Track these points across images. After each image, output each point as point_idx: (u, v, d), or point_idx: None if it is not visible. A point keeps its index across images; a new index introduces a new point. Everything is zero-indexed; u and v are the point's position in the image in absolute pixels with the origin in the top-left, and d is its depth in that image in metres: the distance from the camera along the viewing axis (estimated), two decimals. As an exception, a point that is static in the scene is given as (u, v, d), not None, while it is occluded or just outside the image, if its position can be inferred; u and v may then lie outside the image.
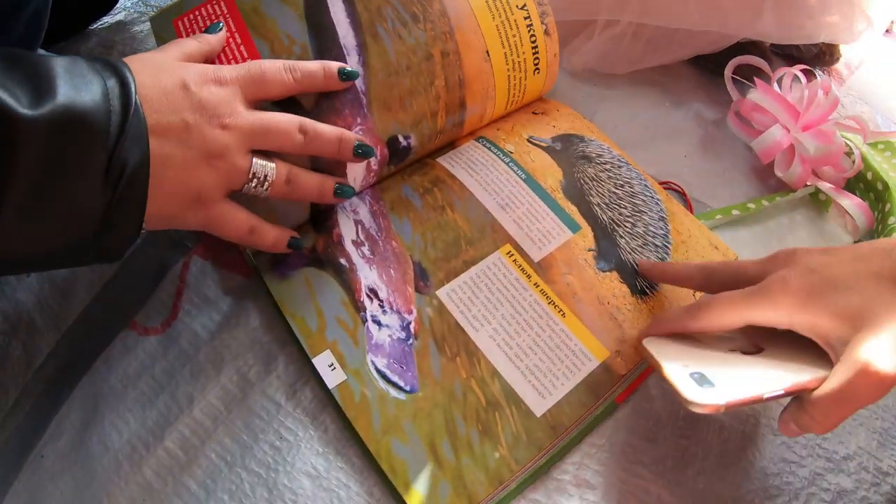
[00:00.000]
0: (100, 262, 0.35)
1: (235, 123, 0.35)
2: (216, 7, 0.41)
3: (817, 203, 0.54)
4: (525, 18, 0.45)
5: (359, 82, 0.40)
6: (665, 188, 0.51)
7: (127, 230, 0.33)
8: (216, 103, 0.34)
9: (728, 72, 0.61)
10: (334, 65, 0.39)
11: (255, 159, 0.36)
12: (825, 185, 0.54)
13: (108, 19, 0.64)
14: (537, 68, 0.48)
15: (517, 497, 0.35)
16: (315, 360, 0.38)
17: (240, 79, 0.36)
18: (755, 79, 0.57)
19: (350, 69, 0.39)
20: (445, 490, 0.34)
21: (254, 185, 0.36)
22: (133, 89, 0.31)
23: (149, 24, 0.64)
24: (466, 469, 0.35)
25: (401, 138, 0.42)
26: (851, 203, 0.52)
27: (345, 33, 0.40)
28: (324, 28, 0.40)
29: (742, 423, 0.40)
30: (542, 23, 0.47)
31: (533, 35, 0.46)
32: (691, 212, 0.50)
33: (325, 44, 0.40)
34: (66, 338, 0.41)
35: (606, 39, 0.60)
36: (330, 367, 0.37)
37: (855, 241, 0.52)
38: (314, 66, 0.38)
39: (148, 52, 0.37)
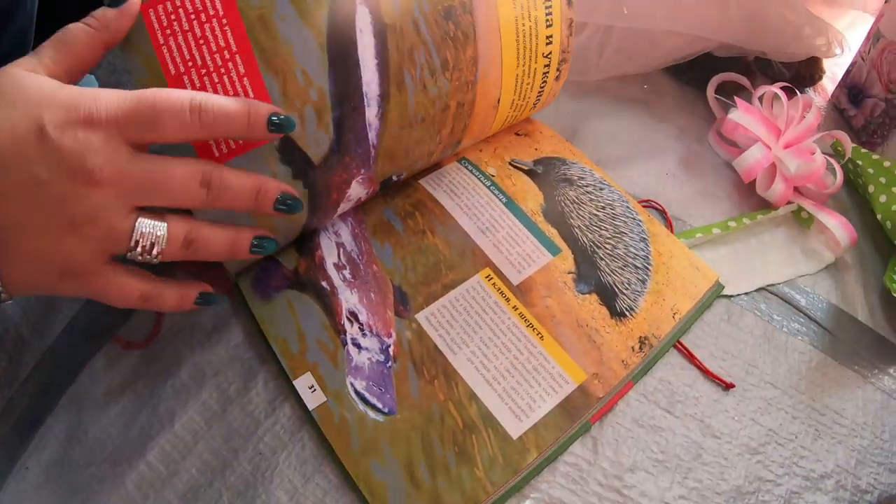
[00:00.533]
0: None
1: (110, 177, 0.27)
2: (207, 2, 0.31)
3: (799, 220, 0.55)
4: (545, 67, 0.44)
5: (371, 135, 0.36)
6: (645, 206, 0.52)
7: None
8: (81, 152, 0.26)
9: (710, 90, 0.62)
10: (263, 109, 0.30)
11: (139, 220, 0.29)
12: (807, 203, 0.54)
13: None
14: (535, 106, 0.49)
15: None
16: (296, 382, 0.38)
17: (120, 117, 0.27)
18: (736, 98, 0.58)
19: (284, 119, 0.31)
20: (422, 512, 0.34)
21: (139, 252, 0.29)
22: None
23: None
24: (443, 491, 0.35)
25: (394, 177, 0.43)
26: (834, 221, 0.53)
27: (370, 79, 0.34)
28: (347, 68, 0.34)
29: (717, 441, 0.41)
30: (558, 69, 0.46)
31: (544, 82, 0.46)
32: (671, 230, 0.51)
33: (345, 90, 0.34)
34: (51, 351, 0.42)
35: (575, 47, 0.61)
36: (310, 388, 0.38)
37: (837, 259, 0.53)
38: (233, 107, 0.29)
39: (10, 68, 0.28)
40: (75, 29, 0.30)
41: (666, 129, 0.60)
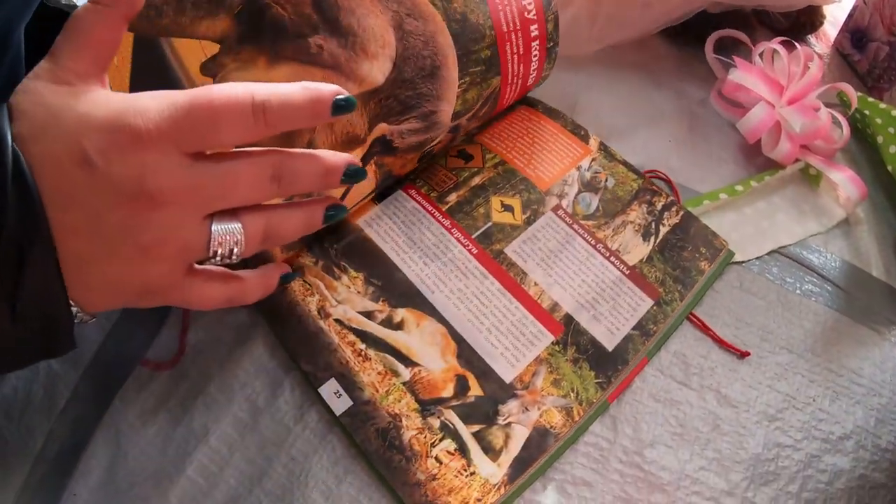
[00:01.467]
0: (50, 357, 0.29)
1: (174, 196, 0.25)
2: None
3: (808, 178, 0.55)
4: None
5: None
6: (651, 177, 0.52)
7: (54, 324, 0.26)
8: (136, 177, 0.24)
9: (709, 48, 0.61)
10: (327, 93, 0.27)
11: (213, 227, 0.27)
12: (815, 160, 0.54)
13: None
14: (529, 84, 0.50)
15: (517, 500, 0.38)
16: (321, 390, 0.40)
17: (173, 128, 0.24)
18: (735, 58, 0.57)
19: (347, 99, 0.28)
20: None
21: (218, 259, 0.28)
22: (7, 143, 0.23)
23: None
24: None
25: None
26: (842, 176, 0.52)
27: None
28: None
29: (735, 410, 0.41)
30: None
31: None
32: (678, 200, 0.51)
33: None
34: (84, 379, 0.44)
35: (566, 21, 0.60)
36: (336, 394, 0.40)
37: (848, 214, 0.53)
38: (298, 97, 0.26)
39: (31, 85, 0.25)
40: (85, 13, 0.26)
41: (666, 94, 0.60)
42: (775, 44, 0.55)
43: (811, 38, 0.68)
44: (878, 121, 0.55)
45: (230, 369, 0.43)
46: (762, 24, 0.66)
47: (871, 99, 0.57)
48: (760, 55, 0.57)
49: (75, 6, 0.29)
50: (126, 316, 0.46)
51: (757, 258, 0.49)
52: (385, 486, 0.38)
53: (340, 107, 0.27)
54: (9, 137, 0.23)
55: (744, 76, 0.55)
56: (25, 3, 0.42)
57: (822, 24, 0.67)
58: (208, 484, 0.40)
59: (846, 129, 0.53)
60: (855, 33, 0.64)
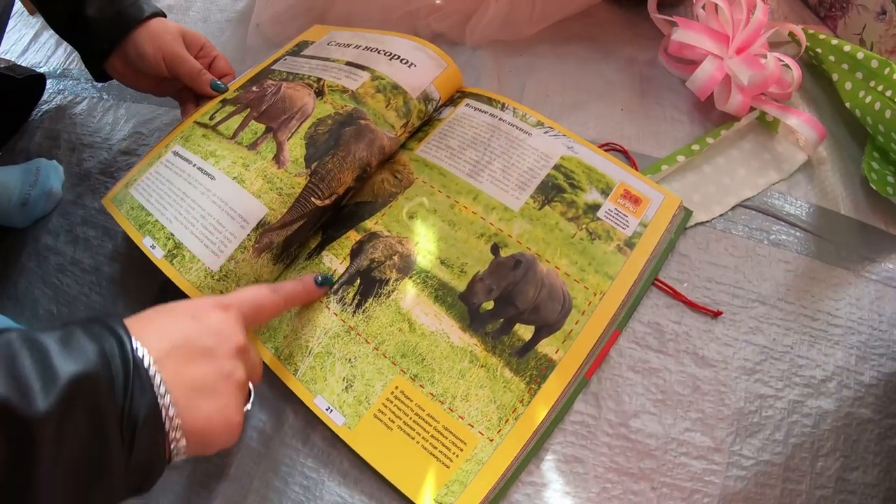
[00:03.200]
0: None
1: (241, 348, 0.36)
2: None
3: (765, 125, 0.55)
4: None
5: None
6: (607, 150, 0.53)
7: (153, 475, 0.32)
8: (225, 328, 0.35)
9: (651, 7, 0.60)
10: (308, 278, 0.44)
11: None
12: (769, 107, 0.54)
13: (45, 107, 0.67)
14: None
15: (514, 483, 0.40)
16: (313, 407, 0.43)
17: (241, 306, 0.37)
18: (675, 18, 0.57)
19: (324, 277, 0.45)
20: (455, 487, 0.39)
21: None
22: (129, 347, 0.30)
23: (86, 102, 0.66)
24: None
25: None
26: (799, 120, 0.53)
27: None
28: None
29: (713, 369, 0.43)
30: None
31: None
32: (635, 168, 0.52)
33: None
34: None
35: (504, 5, 0.60)
36: (328, 409, 0.42)
37: (810, 156, 0.53)
38: (293, 285, 0.43)
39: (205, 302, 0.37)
40: (266, 298, 0.39)
41: (614, 61, 0.60)
42: (715, -3, 0.55)
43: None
44: (831, 58, 0.55)
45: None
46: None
47: (822, 36, 0.57)
48: (703, 7, 0.57)
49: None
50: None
51: (721, 215, 0.50)
52: (392, 490, 0.41)
53: (320, 282, 0.45)
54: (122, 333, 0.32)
55: (686, 34, 0.55)
56: None
57: None
58: (233, 513, 0.43)
59: (797, 72, 0.53)
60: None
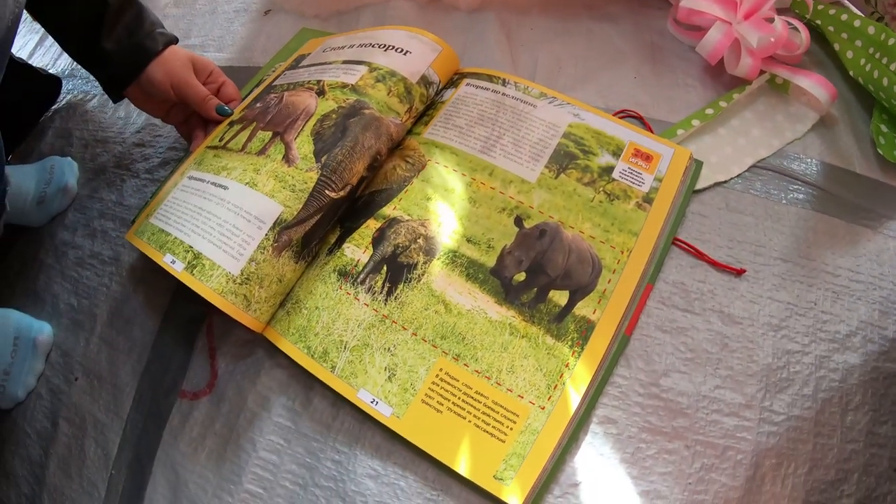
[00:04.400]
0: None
1: None
2: None
3: (776, 87, 0.54)
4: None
5: None
6: (622, 117, 0.53)
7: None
8: None
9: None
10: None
11: None
12: (780, 70, 0.53)
13: (55, 107, 0.66)
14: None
15: (571, 448, 0.40)
16: (357, 401, 0.41)
17: None
18: (684, -17, 0.56)
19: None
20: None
21: None
22: None
23: (96, 99, 0.65)
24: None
25: None
26: (810, 81, 0.52)
27: None
28: None
29: (740, 326, 0.43)
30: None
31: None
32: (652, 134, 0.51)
33: None
34: (129, 423, 0.46)
35: None
36: (373, 402, 0.41)
37: (822, 116, 0.53)
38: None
39: None
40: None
41: (624, 30, 0.59)
42: (721, -39, 0.55)
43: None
44: (831, 28, 0.55)
45: (263, 382, 0.45)
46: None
47: (820, 6, 0.56)
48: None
49: None
50: (155, 354, 0.48)
51: (739, 176, 0.49)
52: (426, 458, 0.40)
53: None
54: None
55: (694, 0, 0.55)
56: None
57: None
58: (267, 491, 0.42)
59: (805, 35, 0.53)
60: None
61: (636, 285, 0.42)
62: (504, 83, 0.53)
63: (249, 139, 0.50)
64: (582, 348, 0.40)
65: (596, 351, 0.40)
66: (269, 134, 0.50)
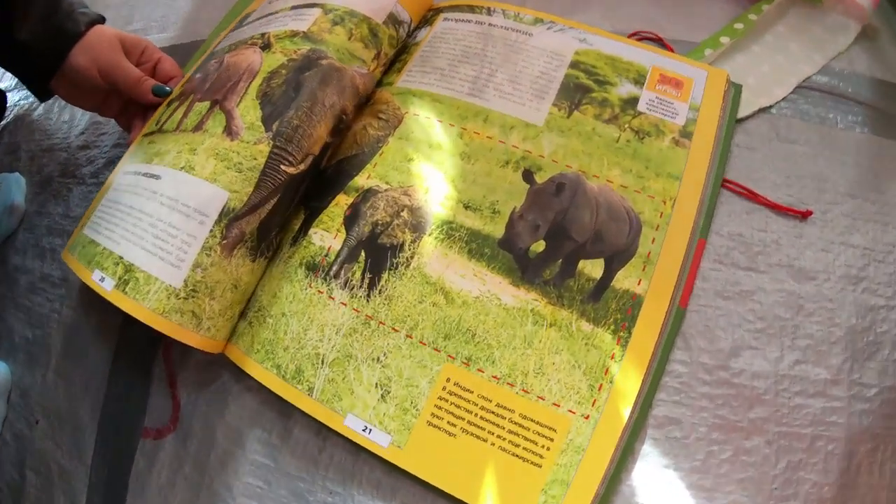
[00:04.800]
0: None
1: None
2: None
3: (807, -4, 0.45)
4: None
5: None
6: (639, 39, 0.42)
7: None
8: None
9: None
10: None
11: None
12: (813, -29, 0.44)
13: (3, 122, 0.56)
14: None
15: (627, 463, 0.30)
16: (343, 430, 0.32)
17: None
18: None
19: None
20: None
21: None
22: None
23: (42, 106, 0.56)
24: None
25: None
26: (849, -18, 0.43)
27: None
28: None
29: (815, 283, 0.33)
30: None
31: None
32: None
33: None
34: (93, 470, 0.37)
35: None
36: (364, 430, 0.32)
37: (864, 26, 0.43)
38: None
39: None
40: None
41: None
42: None
43: None
44: None
45: (232, 412, 0.35)
46: None
47: None
48: None
49: None
50: (112, 387, 0.39)
51: (784, 99, 0.39)
52: (434, 492, 0.31)
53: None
54: None
55: None
56: None
57: None
58: (249, 545, 0.33)
59: None
60: None
61: (687, 243, 0.32)
62: (490, 12, 0.42)
63: (185, 115, 0.39)
64: (629, 332, 0.30)
65: (647, 334, 0.30)
66: (206, 105, 0.39)
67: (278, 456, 0.34)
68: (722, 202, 0.36)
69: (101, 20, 0.44)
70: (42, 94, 0.46)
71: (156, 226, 0.34)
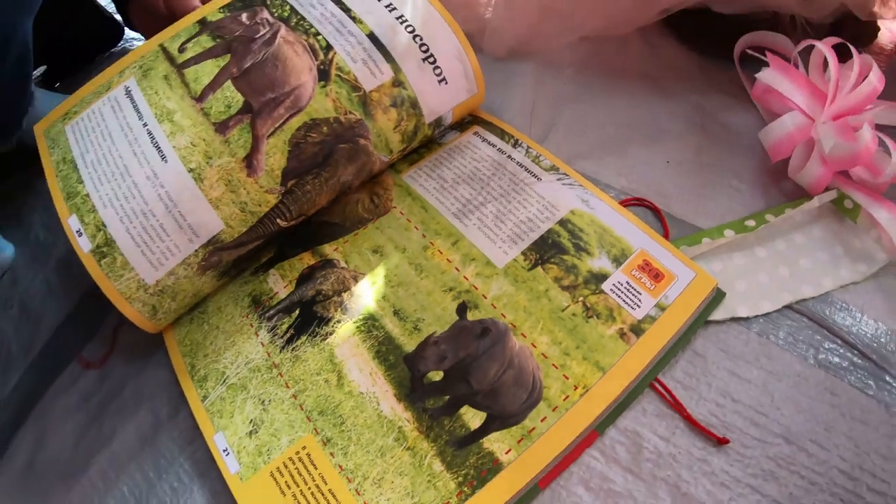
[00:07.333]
0: None
1: None
2: None
3: (843, 211, 0.36)
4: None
5: None
6: (633, 205, 0.36)
7: None
8: None
9: (737, 53, 0.42)
10: None
11: None
12: (853, 191, 0.35)
13: (113, 49, 0.57)
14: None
15: None
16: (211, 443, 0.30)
17: None
18: (768, 54, 0.38)
19: None
20: None
21: None
22: None
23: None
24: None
25: None
26: (889, 215, 0.33)
27: None
28: None
29: None
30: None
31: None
32: (666, 235, 0.34)
33: None
34: (31, 367, 0.37)
35: (533, 14, 0.42)
36: (224, 452, 0.29)
37: (891, 263, 0.34)
38: None
39: None
40: None
41: (674, 107, 0.41)
42: (824, 45, 0.36)
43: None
44: None
45: (145, 378, 0.33)
46: (804, 35, 0.45)
47: None
48: (805, 61, 0.38)
49: None
50: (79, 310, 0.38)
51: (765, 314, 0.32)
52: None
53: None
54: None
55: (777, 77, 0.36)
56: (22, 6, 0.36)
57: (874, 36, 0.45)
58: (105, 487, 0.31)
59: None
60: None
61: (577, 435, 0.26)
62: (516, 144, 0.37)
63: (213, 86, 0.33)
64: (472, 492, 0.25)
65: (488, 502, 0.25)
66: (239, 99, 0.32)
67: (159, 429, 0.31)
68: (640, 393, 0.29)
69: None
70: (125, 20, 0.43)
71: (148, 218, 0.30)
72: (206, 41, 0.34)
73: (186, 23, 0.36)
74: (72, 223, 0.31)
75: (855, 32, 0.43)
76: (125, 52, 0.57)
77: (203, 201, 0.30)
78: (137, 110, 0.33)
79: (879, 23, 0.45)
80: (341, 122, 0.33)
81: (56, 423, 0.34)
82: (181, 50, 0.34)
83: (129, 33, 0.57)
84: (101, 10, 0.55)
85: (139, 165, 0.31)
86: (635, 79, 0.43)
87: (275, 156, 0.32)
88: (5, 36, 0.36)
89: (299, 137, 0.32)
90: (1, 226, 0.44)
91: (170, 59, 0.34)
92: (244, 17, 0.35)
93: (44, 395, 0.35)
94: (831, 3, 0.39)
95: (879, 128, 0.35)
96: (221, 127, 0.32)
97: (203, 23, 0.35)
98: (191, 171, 0.31)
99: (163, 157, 0.32)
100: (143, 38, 0.42)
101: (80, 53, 0.55)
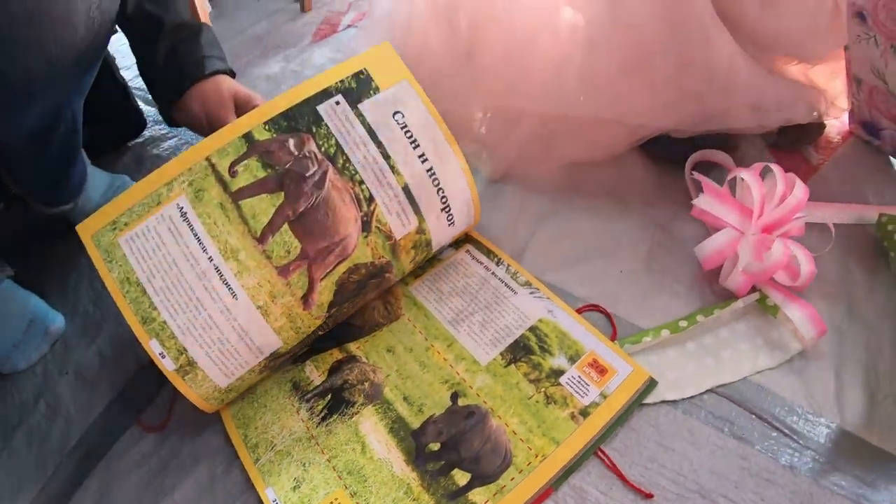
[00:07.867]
0: None
1: None
2: None
3: (765, 308, 0.47)
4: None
5: None
6: (589, 310, 0.47)
7: None
8: None
9: (688, 171, 0.53)
10: None
11: None
12: (773, 292, 0.46)
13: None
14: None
15: None
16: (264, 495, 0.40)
17: None
18: (702, 181, 0.49)
19: None
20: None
21: None
22: None
23: (174, 139, 0.63)
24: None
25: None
26: (800, 313, 0.44)
27: None
28: None
29: None
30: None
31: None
32: (614, 336, 0.45)
33: None
34: (93, 425, 0.47)
35: (513, 143, 0.55)
36: (274, 501, 0.40)
37: (801, 352, 0.44)
38: None
39: None
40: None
41: (632, 220, 0.53)
42: (745, 172, 0.48)
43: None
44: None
45: (201, 441, 0.45)
46: (754, 139, 0.57)
47: (893, 213, 0.47)
48: (733, 181, 0.49)
49: None
50: (135, 380, 0.49)
51: (691, 397, 0.42)
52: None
53: None
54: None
55: (710, 201, 0.48)
56: (78, 84, 0.42)
57: (820, 134, 0.57)
58: (169, 534, 0.42)
59: (808, 267, 0.45)
60: (865, 125, 0.54)
61: (536, 490, 0.38)
62: (498, 262, 0.50)
63: (272, 228, 0.38)
64: None
65: None
66: (296, 246, 0.39)
67: (214, 484, 0.43)
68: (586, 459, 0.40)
69: (229, 72, 0.46)
70: (167, 120, 0.49)
71: (224, 344, 0.39)
72: (256, 168, 0.39)
73: (231, 135, 0.39)
74: (154, 346, 0.38)
75: (799, 134, 0.55)
76: (149, 140, 0.66)
77: (268, 330, 0.41)
78: (198, 239, 0.38)
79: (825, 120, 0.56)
80: (375, 264, 0.43)
81: (121, 477, 0.45)
82: (232, 173, 0.38)
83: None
84: (131, 102, 0.64)
85: (212, 301, 0.38)
86: (603, 194, 0.55)
87: (324, 293, 0.42)
88: (59, 106, 0.42)
89: (344, 279, 0.42)
90: (49, 294, 0.53)
91: (221, 181, 0.38)
92: (291, 144, 0.40)
93: (106, 455, 0.46)
94: (778, 119, 0.50)
95: (812, 227, 0.45)
96: (283, 271, 0.39)
97: (250, 140, 0.39)
98: (259, 307, 0.39)
99: (233, 295, 0.39)
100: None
101: (104, 142, 0.63)
